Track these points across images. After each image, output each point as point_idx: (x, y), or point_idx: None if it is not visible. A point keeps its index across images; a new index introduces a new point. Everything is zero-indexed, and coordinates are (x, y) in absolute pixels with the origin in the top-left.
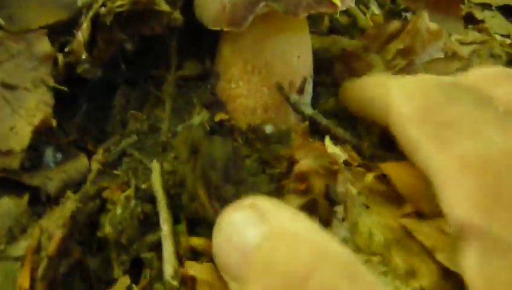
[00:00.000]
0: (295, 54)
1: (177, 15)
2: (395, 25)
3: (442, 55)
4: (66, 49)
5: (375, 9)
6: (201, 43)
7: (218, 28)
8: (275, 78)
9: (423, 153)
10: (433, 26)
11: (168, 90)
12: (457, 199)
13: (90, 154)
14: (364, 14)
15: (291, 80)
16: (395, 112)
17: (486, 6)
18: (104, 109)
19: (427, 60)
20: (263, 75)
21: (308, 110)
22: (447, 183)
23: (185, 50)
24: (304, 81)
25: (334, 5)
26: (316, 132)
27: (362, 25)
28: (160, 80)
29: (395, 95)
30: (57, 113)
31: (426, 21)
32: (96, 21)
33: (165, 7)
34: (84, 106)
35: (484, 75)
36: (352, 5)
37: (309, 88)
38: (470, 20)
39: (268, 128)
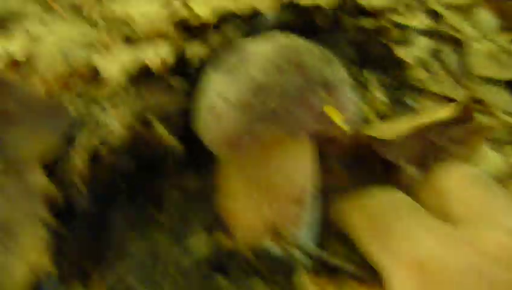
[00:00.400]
0: (296, 169)
1: (177, 144)
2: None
3: None
4: (61, 174)
5: (376, 93)
6: (202, 154)
7: (218, 151)
8: (277, 193)
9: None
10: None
11: (168, 211)
12: None
13: (87, 279)
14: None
15: (292, 195)
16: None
17: (491, 81)
18: (103, 227)
19: None
20: (265, 191)
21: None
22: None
23: (184, 161)
24: (305, 193)
25: (335, 124)
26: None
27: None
28: (160, 195)
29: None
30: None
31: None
32: (92, 153)
33: (165, 136)
34: (82, 225)
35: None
36: (356, 119)
37: (311, 199)
38: (474, 101)
39: (269, 245)
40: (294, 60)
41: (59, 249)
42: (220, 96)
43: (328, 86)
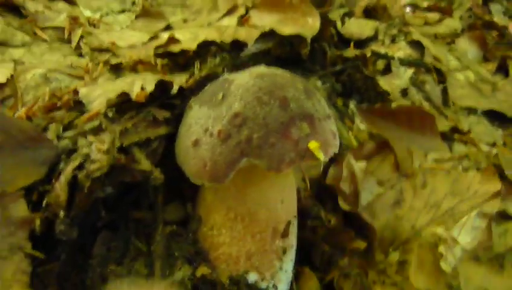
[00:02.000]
0: (279, 200)
1: (158, 174)
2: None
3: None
4: (44, 203)
5: (360, 124)
6: (184, 184)
7: (200, 183)
8: (259, 225)
9: None
10: (361, 165)
11: (151, 243)
12: None
13: None
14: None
15: (275, 226)
16: None
17: (472, 111)
18: (84, 255)
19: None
20: (246, 223)
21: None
22: None
23: (166, 191)
24: (288, 224)
25: (317, 157)
26: None
27: (345, 144)
28: (142, 225)
29: None
30: (35, 260)
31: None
32: (73, 182)
33: (146, 166)
34: (63, 254)
35: None
36: (336, 151)
37: (294, 229)
38: (455, 130)
39: (252, 277)
40: (276, 93)
41: (40, 278)
42: (203, 129)
43: (309, 119)
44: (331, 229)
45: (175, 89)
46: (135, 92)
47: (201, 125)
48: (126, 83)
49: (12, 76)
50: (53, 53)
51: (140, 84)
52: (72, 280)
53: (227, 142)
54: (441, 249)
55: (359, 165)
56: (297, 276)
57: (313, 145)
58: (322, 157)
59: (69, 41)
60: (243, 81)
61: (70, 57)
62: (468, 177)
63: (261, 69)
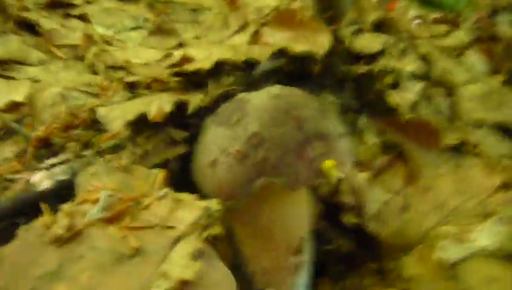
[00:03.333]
0: (293, 216)
1: None
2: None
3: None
4: None
5: (371, 138)
6: None
7: None
8: (273, 241)
9: None
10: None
11: None
12: None
13: None
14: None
15: (289, 243)
16: None
17: (481, 124)
18: None
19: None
20: (262, 239)
21: None
22: None
23: None
24: (302, 241)
25: (332, 176)
26: None
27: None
28: None
29: None
30: None
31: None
32: None
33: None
34: None
35: None
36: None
37: (307, 245)
38: (464, 143)
39: None
40: (292, 113)
41: None
42: (220, 149)
43: (324, 138)
44: (344, 253)
45: (191, 108)
46: (153, 113)
47: (219, 145)
48: (144, 103)
49: (29, 94)
50: (68, 71)
51: (157, 104)
52: None
53: (245, 161)
54: (443, 242)
55: (362, 176)
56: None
57: (328, 164)
58: (337, 175)
59: (83, 58)
60: (259, 102)
61: (86, 75)
62: (471, 172)
63: (277, 89)
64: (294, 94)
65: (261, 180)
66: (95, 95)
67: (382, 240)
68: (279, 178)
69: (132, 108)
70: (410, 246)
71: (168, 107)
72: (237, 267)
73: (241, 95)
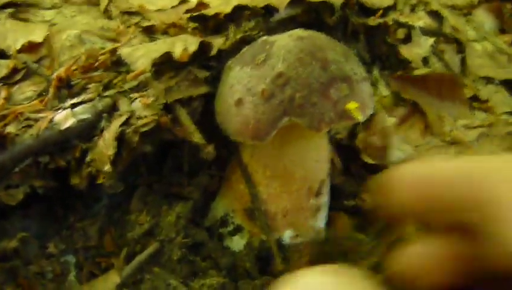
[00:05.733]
0: (313, 159)
1: (211, 149)
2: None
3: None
4: (87, 159)
5: (383, 90)
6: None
7: (242, 140)
8: (295, 183)
9: None
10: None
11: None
12: None
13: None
14: None
15: (310, 185)
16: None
17: (490, 80)
18: (123, 210)
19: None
20: (283, 181)
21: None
22: None
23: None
24: (322, 183)
25: (355, 118)
26: None
27: None
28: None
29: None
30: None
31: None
32: (121, 138)
33: (199, 140)
34: (104, 209)
35: None
36: (372, 112)
37: (326, 188)
38: (475, 98)
39: (287, 234)
40: (317, 54)
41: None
42: (246, 89)
43: (348, 81)
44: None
45: (214, 50)
46: (178, 53)
47: (244, 84)
48: (167, 44)
49: (47, 36)
50: (83, 16)
51: (182, 45)
52: (112, 232)
53: (271, 101)
54: None
55: (391, 120)
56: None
57: (351, 106)
58: (360, 117)
59: (97, 4)
60: (284, 43)
61: (101, 20)
62: None
63: (300, 31)
64: (318, 37)
65: (286, 119)
66: (112, 40)
67: None
68: (304, 118)
69: (157, 48)
70: None
71: (192, 48)
72: (257, 209)
73: (265, 38)
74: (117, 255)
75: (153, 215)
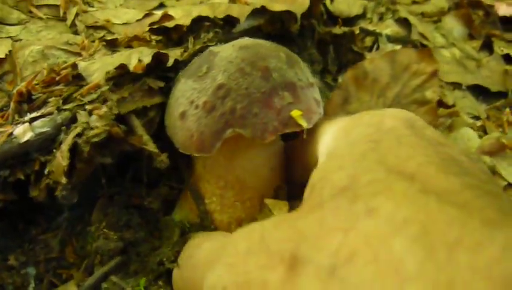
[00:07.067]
0: (267, 167)
1: (164, 158)
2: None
3: None
4: (46, 171)
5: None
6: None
7: (188, 153)
8: (248, 192)
9: None
10: None
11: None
12: None
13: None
14: None
15: (264, 193)
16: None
17: (457, 86)
18: (85, 222)
19: None
20: (236, 190)
21: None
22: None
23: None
24: (277, 191)
25: (300, 125)
26: None
27: None
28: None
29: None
30: (40, 226)
31: None
32: (74, 149)
33: (153, 148)
34: (65, 221)
35: None
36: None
37: (283, 195)
38: (441, 104)
39: None
40: (258, 64)
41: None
42: (189, 102)
43: (291, 88)
44: None
45: (170, 62)
46: (133, 64)
47: (187, 97)
48: (124, 56)
49: (10, 52)
50: (49, 30)
51: (137, 57)
52: (73, 244)
53: (212, 113)
54: None
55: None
56: None
57: (295, 113)
58: (305, 124)
59: (64, 19)
60: (227, 53)
61: (66, 34)
62: (405, 55)
63: (245, 40)
64: (262, 45)
65: (230, 131)
66: (76, 54)
67: None
68: (247, 129)
69: (112, 61)
70: None
71: (147, 59)
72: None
73: (211, 48)
74: (78, 267)
75: (113, 227)
